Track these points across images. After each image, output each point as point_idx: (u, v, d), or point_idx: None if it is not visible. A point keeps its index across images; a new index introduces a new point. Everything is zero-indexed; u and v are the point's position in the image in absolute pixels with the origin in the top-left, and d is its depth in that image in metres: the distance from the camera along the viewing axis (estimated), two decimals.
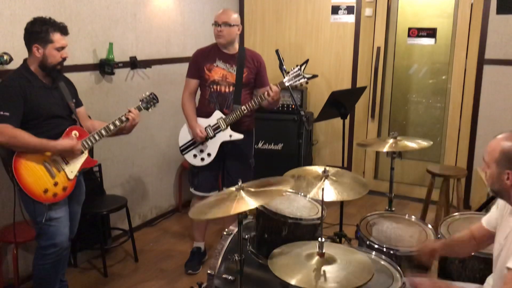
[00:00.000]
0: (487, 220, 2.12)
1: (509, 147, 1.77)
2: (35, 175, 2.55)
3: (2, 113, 2.45)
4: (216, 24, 3.27)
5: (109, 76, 3.72)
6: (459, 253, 2.26)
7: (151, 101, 3.00)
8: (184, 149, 3.39)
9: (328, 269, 1.78)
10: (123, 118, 2.81)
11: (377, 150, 3.35)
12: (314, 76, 3.18)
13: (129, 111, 2.84)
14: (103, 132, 2.76)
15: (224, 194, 2.04)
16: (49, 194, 2.58)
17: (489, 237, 2.09)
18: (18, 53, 2.91)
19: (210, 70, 3.31)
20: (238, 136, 3.31)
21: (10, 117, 2.47)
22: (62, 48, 2.60)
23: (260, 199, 1.94)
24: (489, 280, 2.05)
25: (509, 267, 1.74)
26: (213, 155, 3.32)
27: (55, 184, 2.61)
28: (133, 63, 3.90)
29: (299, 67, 3.14)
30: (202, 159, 3.35)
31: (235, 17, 3.31)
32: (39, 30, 2.54)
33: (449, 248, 2.25)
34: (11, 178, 2.55)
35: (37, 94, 2.57)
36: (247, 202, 1.91)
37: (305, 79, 3.14)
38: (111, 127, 2.78)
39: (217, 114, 3.30)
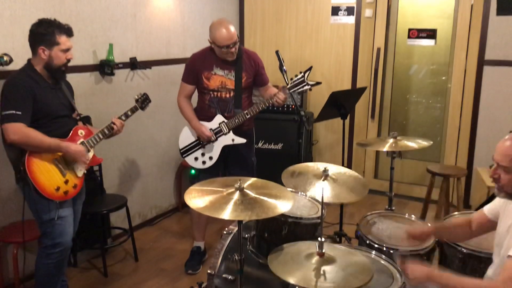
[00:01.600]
0: (489, 208, 2.13)
1: None
2: (47, 174, 2.57)
3: (14, 112, 2.47)
4: (227, 47, 3.12)
5: (109, 77, 3.73)
6: (453, 237, 2.33)
7: (145, 101, 3.06)
8: (185, 151, 3.38)
9: (328, 269, 1.78)
10: (109, 127, 2.84)
11: (377, 149, 3.36)
12: (318, 83, 3.14)
13: (113, 122, 2.85)
14: (106, 131, 2.81)
15: (224, 191, 2.04)
16: (60, 192, 2.61)
17: (488, 225, 2.11)
18: (18, 54, 2.91)
19: (208, 79, 3.27)
20: (240, 140, 3.30)
21: (22, 116, 2.49)
22: (68, 49, 2.62)
23: (255, 212, 1.91)
24: (489, 271, 2.07)
25: (511, 255, 1.75)
26: (215, 158, 3.32)
27: (66, 182, 2.64)
28: (133, 64, 3.91)
29: (302, 74, 3.11)
30: (204, 162, 3.34)
31: (234, 29, 3.19)
32: (45, 32, 2.55)
33: (442, 231, 2.34)
34: (23, 177, 2.54)
35: (44, 94, 2.60)
36: (241, 213, 1.90)
37: (309, 87, 3.12)
38: (106, 131, 2.83)
39: (219, 118, 3.28)
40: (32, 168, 2.53)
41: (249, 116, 3.23)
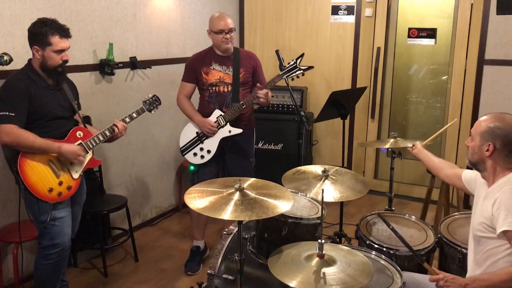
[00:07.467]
0: (466, 175, 2.32)
1: (496, 124, 1.98)
2: (40, 174, 2.56)
3: (7, 113, 2.46)
4: (222, 32, 3.25)
5: (109, 76, 3.72)
6: (433, 164, 2.59)
7: (153, 103, 3.04)
8: (185, 149, 3.41)
9: (328, 270, 1.78)
10: (110, 129, 2.80)
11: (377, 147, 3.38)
12: (310, 67, 3.23)
13: (114, 125, 2.81)
14: (107, 133, 2.79)
15: (224, 192, 2.04)
16: (53, 193, 2.59)
17: (459, 185, 2.36)
18: (18, 54, 2.91)
19: (207, 74, 3.35)
20: (237, 130, 3.33)
21: (15, 118, 2.48)
22: (62, 50, 2.58)
23: (255, 212, 1.92)
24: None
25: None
26: (213, 151, 3.35)
27: (60, 183, 2.62)
28: (133, 64, 3.91)
29: (294, 60, 3.20)
30: (202, 157, 3.37)
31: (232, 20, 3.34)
32: (38, 32, 2.53)
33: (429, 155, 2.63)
34: (16, 177, 2.55)
35: (42, 95, 2.58)
36: (241, 213, 1.91)
37: (301, 71, 3.20)
38: (107, 132, 2.80)
39: (217, 113, 3.33)
40: (24, 169, 2.52)
41: (244, 106, 3.27)
